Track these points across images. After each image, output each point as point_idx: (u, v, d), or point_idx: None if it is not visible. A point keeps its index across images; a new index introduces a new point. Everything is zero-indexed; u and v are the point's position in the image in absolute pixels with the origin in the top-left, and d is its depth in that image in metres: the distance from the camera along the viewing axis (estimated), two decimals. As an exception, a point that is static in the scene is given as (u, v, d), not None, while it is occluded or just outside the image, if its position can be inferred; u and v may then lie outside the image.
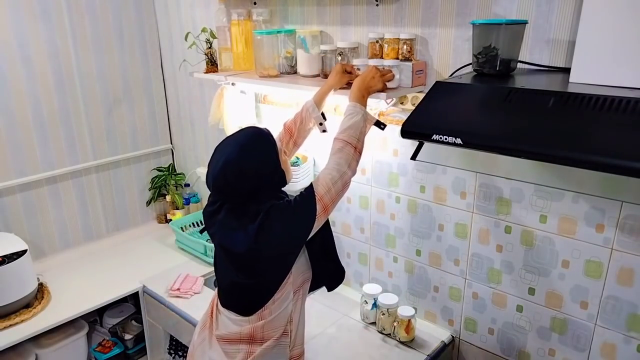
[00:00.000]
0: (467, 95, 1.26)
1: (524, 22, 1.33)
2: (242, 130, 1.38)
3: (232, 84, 2.05)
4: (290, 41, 1.87)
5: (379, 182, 1.90)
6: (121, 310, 2.59)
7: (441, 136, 1.18)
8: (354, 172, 1.36)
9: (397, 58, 1.62)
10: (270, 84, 1.82)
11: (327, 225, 1.40)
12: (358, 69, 1.58)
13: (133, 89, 2.67)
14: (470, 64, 1.44)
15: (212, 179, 1.31)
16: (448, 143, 1.17)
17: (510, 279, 1.64)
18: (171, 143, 2.92)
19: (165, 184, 2.84)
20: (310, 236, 1.30)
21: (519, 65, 1.39)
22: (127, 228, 2.81)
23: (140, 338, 2.47)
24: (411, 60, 1.59)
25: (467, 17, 1.51)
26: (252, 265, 1.32)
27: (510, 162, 1.52)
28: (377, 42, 1.66)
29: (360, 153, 1.38)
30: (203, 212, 1.45)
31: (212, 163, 1.33)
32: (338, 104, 1.92)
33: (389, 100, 1.68)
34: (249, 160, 1.29)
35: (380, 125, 1.50)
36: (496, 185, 1.59)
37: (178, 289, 2.13)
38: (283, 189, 1.41)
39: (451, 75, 1.56)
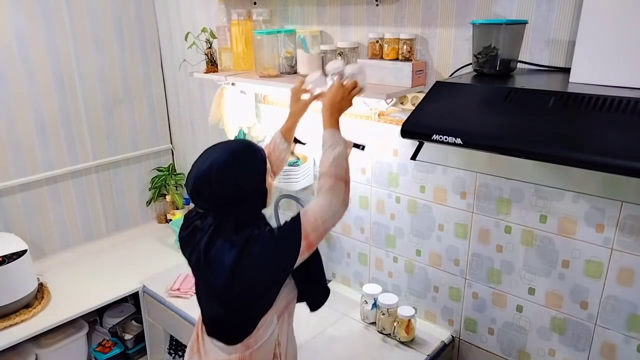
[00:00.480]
0: (467, 95, 1.26)
1: (524, 22, 1.33)
2: (233, 140, 1.31)
3: (232, 84, 2.05)
4: (290, 41, 1.87)
5: (379, 182, 1.90)
6: (121, 310, 2.59)
7: (441, 136, 1.18)
8: (347, 206, 1.28)
9: (397, 58, 1.62)
10: (270, 84, 1.82)
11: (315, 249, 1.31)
12: (311, 90, 1.48)
13: (133, 89, 2.67)
14: (470, 64, 1.44)
15: (194, 180, 1.23)
16: (448, 143, 1.17)
17: (510, 279, 1.64)
18: (171, 143, 2.92)
19: (165, 184, 2.84)
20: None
21: (519, 65, 1.39)
22: (127, 228, 2.80)
23: (140, 338, 2.47)
24: (411, 60, 1.59)
25: (467, 17, 1.51)
26: (230, 300, 1.25)
27: (510, 162, 1.52)
28: (377, 42, 1.66)
29: (349, 184, 1.30)
30: (179, 238, 1.36)
31: (196, 165, 1.26)
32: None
33: (389, 100, 1.69)
34: (236, 168, 1.23)
35: (359, 146, 1.41)
36: (496, 185, 1.59)
37: (178, 289, 2.13)
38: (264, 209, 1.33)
39: (451, 75, 1.56)
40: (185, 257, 1.33)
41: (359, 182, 1.97)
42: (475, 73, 1.38)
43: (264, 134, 2.23)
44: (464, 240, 1.72)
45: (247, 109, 2.19)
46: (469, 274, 1.74)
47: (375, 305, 1.87)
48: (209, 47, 2.05)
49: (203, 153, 1.30)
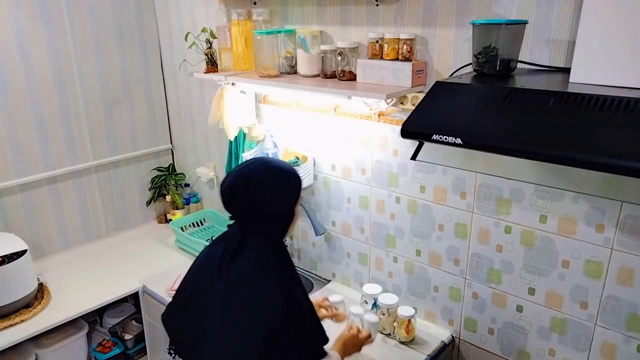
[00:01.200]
0: (467, 95, 1.26)
1: (524, 22, 1.33)
2: (278, 159, 1.36)
3: (232, 84, 2.05)
4: (290, 41, 1.87)
5: (379, 182, 1.90)
6: (121, 310, 2.59)
7: (441, 136, 1.18)
8: None
9: (397, 58, 1.62)
10: (270, 84, 1.82)
11: None
12: (336, 308, 1.67)
13: (133, 89, 2.67)
14: (470, 64, 1.44)
15: (233, 178, 1.27)
16: (448, 143, 1.17)
17: (510, 279, 1.64)
18: (171, 143, 2.92)
19: (165, 184, 2.85)
20: None
21: (519, 65, 1.39)
22: (127, 228, 2.80)
23: (140, 338, 2.47)
24: (411, 60, 1.59)
25: (467, 17, 1.51)
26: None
27: (510, 162, 1.52)
28: (377, 42, 1.66)
29: None
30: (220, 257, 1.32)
31: (236, 169, 1.30)
32: (338, 104, 1.92)
33: (389, 100, 1.69)
34: (276, 181, 1.27)
35: None
36: (496, 185, 1.59)
37: (178, 289, 2.13)
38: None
39: (451, 75, 1.56)
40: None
41: (359, 182, 1.97)
42: (475, 73, 1.38)
43: (264, 134, 2.23)
44: (463, 240, 1.72)
45: (247, 109, 2.19)
46: (469, 274, 1.74)
47: (375, 305, 1.87)
48: (209, 47, 2.05)
49: (245, 161, 1.35)
